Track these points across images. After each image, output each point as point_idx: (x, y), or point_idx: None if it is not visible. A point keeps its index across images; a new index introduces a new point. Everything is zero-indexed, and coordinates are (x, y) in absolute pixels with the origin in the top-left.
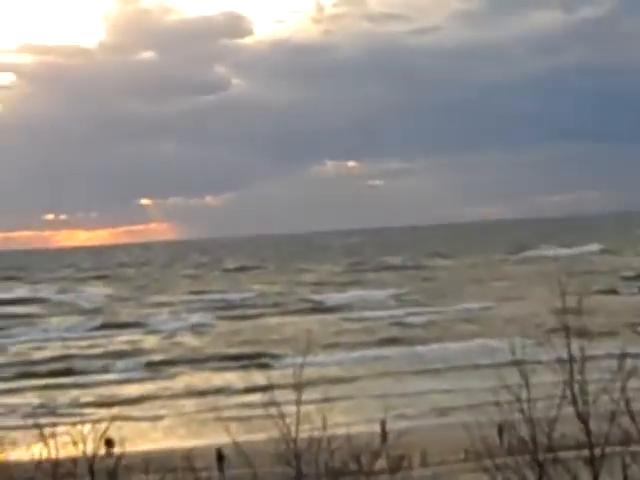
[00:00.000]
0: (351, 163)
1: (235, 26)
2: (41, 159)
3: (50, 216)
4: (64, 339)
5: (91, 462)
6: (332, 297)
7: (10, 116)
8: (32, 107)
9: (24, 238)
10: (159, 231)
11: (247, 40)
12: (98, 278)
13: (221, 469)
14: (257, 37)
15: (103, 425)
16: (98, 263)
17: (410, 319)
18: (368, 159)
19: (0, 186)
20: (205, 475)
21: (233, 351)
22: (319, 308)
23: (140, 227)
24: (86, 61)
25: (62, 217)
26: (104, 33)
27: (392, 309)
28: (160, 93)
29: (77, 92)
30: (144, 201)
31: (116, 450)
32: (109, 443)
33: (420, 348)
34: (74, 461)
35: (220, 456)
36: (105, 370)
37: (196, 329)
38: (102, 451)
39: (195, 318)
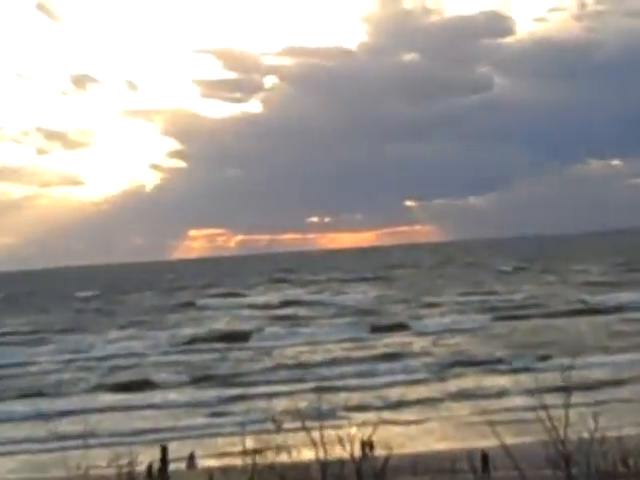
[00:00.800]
0: (615, 161)
1: (496, 25)
2: (304, 161)
3: (314, 218)
4: (333, 342)
5: (358, 464)
6: (606, 298)
7: (272, 117)
8: (293, 108)
9: (290, 240)
10: (424, 232)
11: (508, 39)
12: (366, 280)
13: (485, 471)
14: (518, 36)
15: (370, 428)
16: (365, 265)
17: None
18: (633, 157)
19: (265, 188)
20: (471, 477)
21: (504, 353)
22: (592, 309)
23: (405, 229)
24: (347, 62)
25: (326, 219)
26: (365, 35)
27: None
28: (422, 94)
29: (338, 93)
30: (409, 203)
31: (383, 452)
32: (370, 446)
33: None
34: (341, 463)
35: (485, 458)
36: (374, 373)
37: (466, 330)
38: (368, 453)
39: (465, 319)
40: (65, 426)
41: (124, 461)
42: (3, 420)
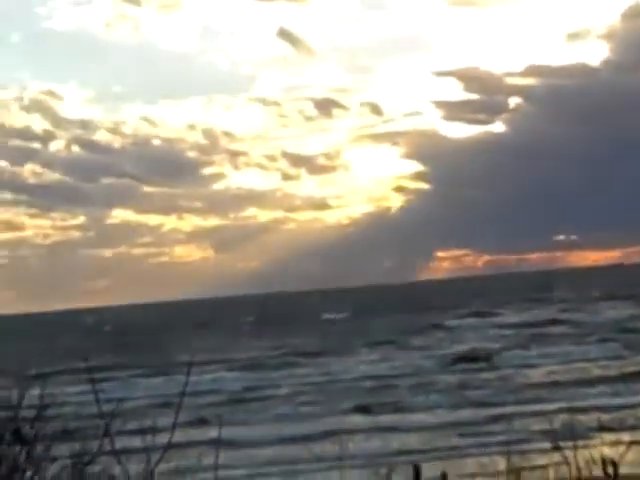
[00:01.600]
0: None
1: None
2: (547, 180)
3: (561, 237)
4: (586, 360)
5: None
6: None
7: (516, 138)
8: (537, 128)
9: (536, 259)
10: None
11: None
12: (617, 298)
13: None
14: None
15: (622, 447)
16: (615, 283)
17: None
18: None
19: (509, 208)
20: None
21: None
22: None
23: None
24: (590, 80)
25: (573, 237)
26: (609, 51)
27: None
28: None
29: (582, 112)
30: None
31: (635, 471)
32: (614, 465)
33: None
34: None
35: None
36: (629, 392)
37: None
38: (609, 473)
39: None
40: (321, 447)
41: None
42: (265, 443)
